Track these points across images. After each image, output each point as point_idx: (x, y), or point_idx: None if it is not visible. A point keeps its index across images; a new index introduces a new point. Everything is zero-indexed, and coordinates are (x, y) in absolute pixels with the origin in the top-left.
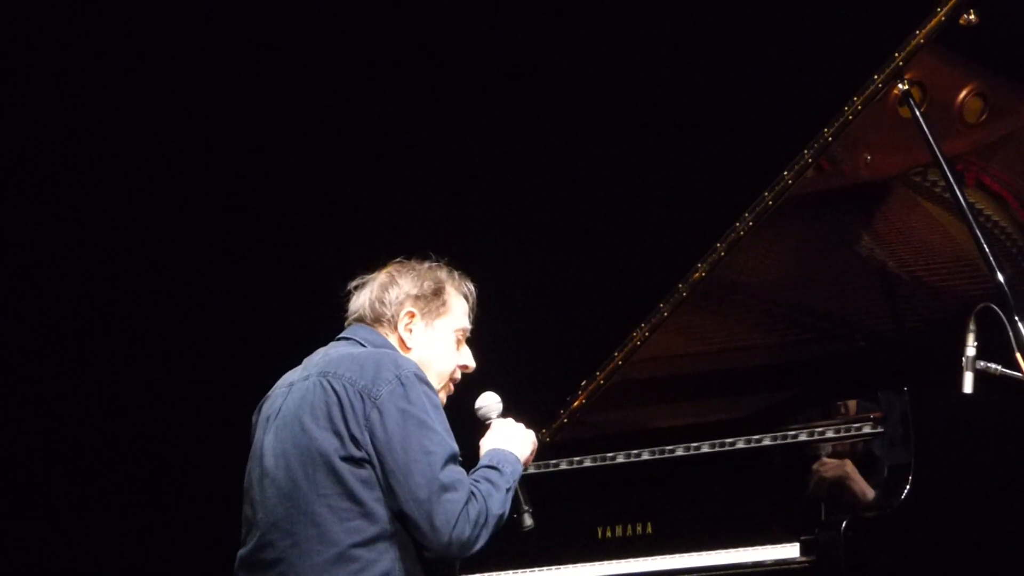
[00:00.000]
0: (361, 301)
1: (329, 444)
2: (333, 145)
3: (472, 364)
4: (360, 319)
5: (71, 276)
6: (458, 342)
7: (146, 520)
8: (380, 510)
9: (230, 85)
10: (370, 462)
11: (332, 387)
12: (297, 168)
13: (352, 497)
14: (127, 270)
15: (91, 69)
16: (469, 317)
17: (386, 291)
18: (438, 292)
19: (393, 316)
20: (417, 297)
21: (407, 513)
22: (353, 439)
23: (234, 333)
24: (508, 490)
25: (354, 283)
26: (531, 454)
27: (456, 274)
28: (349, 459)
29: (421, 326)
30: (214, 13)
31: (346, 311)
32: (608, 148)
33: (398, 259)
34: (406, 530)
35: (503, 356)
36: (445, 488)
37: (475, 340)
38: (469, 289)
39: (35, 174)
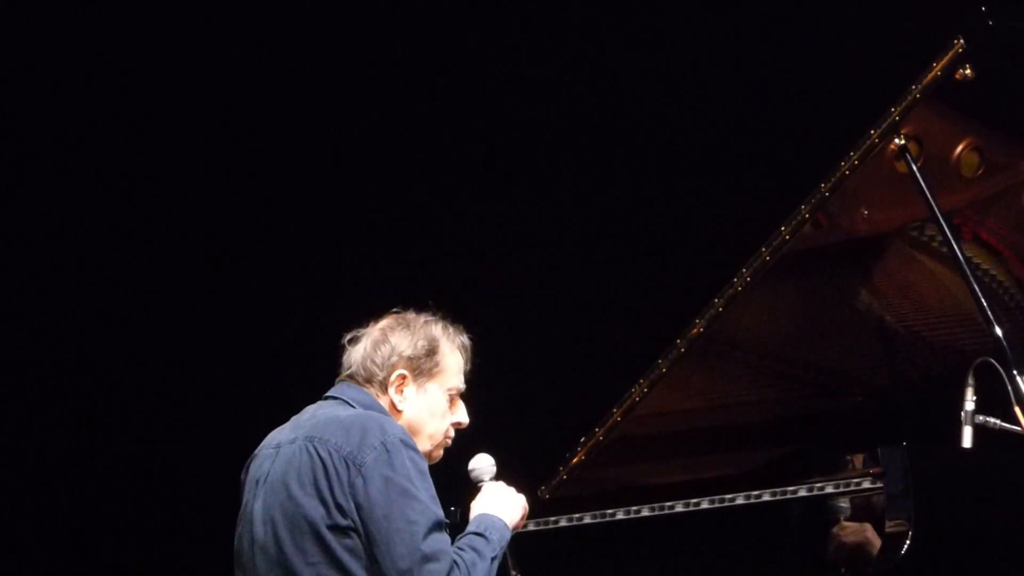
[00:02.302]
0: (354, 358)
1: (316, 512)
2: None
3: (466, 420)
4: (352, 376)
5: (79, 293)
6: (452, 400)
7: (143, 545)
8: None
9: (240, 103)
10: (356, 531)
11: (318, 453)
12: (295, 212)
13: (340, 567)
14: (131, 286)
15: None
16: (465, 372)
17: (378, 349)
18: (431, 352)
19: (384, 378)
20: (410, 358)
21: None
22: (339, 507)
23: (236, 358)
24: (494, 559)
25: (348, 336)
26: (522, 519)
27: (451, 329)
28: (335, 528)
29: (412, 389)
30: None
31: (339, 362)
32: (604, 201)
33: (395, 310)
34: None
35: (500, 414)
36: (427, 559)
37: (471, 396)
38: (464, 343)
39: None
